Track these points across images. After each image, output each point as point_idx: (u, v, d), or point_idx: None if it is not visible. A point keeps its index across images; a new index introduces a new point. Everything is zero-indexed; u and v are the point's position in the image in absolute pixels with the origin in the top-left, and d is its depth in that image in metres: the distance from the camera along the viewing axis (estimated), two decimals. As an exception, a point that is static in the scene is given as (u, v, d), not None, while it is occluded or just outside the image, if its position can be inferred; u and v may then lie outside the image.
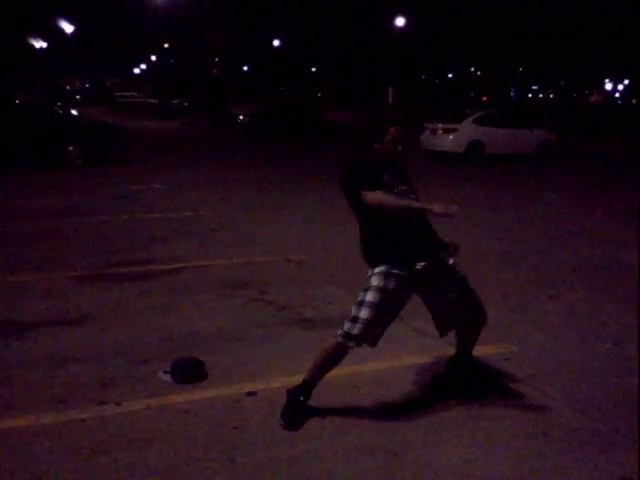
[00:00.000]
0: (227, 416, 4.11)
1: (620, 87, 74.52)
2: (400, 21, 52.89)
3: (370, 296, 3.99)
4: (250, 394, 4.40)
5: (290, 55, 70.16)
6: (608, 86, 73.32)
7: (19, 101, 21.69)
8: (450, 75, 75.89)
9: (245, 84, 71.68)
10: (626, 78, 69.58)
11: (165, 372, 4.66)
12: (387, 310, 4.04)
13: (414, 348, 5.32)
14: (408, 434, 3.95)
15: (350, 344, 4.02)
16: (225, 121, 37.31)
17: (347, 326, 4.01)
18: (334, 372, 4.66)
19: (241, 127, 33.99)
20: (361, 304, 3.99)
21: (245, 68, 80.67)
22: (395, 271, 4.02)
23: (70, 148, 17.00)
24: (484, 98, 68.01)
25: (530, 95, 79.29)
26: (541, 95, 79.97)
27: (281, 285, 6.95)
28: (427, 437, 3.92)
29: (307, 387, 4.14)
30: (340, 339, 4.03)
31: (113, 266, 7.64)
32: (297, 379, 4.30)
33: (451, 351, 4.96)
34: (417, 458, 3.70)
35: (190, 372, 4.63)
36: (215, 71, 80.00)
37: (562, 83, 71.97)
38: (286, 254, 8.28)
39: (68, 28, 66.19)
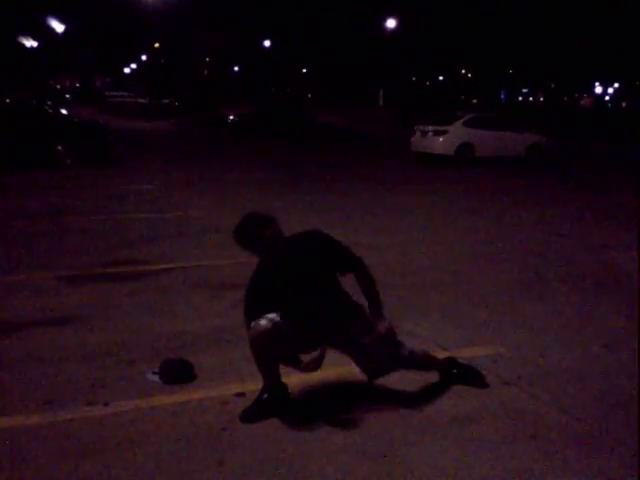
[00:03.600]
0: (216, 417, 4.11)
1: (610, 90, 74.86)
2: (391, 23, 52.98)
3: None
4: (239, 395, 4.39)
5: (281, 56, 70.14)
6: (598, 89, 73.63)
7: (9, 100, 21.61)
8: (441, 77, 76.03)
9: (235, 84, 71.59)
10: (616, 81, 69.90)
11: (154, 373, 4.65)
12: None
13: (403, 350, 5.31)
14: (397, 435, 3.95)
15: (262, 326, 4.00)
16: (215, 121, 37.30)
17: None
18: (323, 373, 4.67)
19: (231, 127, 33.98)
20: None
21: (235, 69, 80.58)
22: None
23: (59, 148, 16.96)
24: (474, 100, 68.21)
25: (520, 98, 79.55)
26: (531, 98, 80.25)
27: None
28: (416, 438, 3.93)
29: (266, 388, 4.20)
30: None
31: (102, 266, 7.62)
32: (286, 380, 4.29)
33: (440, 353, 4.99)
34: (406, 459, 3.70)
35: (179, 373, 4.62)
36: (205, 71, 79.88)
37: (552, 86, 72.22)
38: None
39: (59, 27, 65.98)
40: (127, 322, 5.79)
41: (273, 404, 4.15)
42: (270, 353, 4.06)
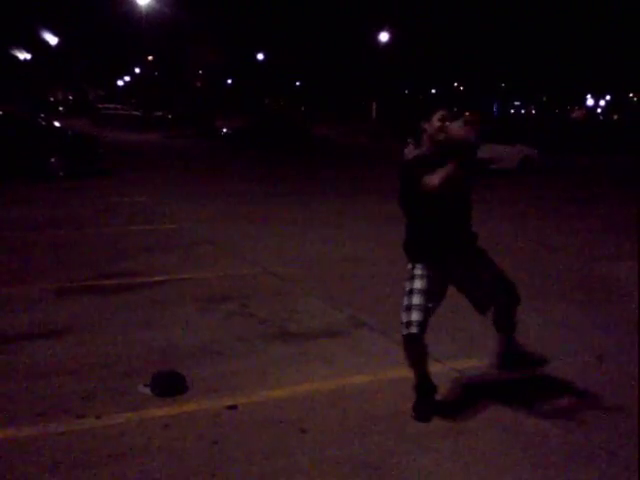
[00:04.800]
0: (207, 430, 4.08)
1: (602, 103, 75.28)
2: (384, 36, 53.23)
3: (418, 283, 4.21)
4: (230, 408, 4.37)
5: (274, 69, 70.35)
6: (590, 102, 74.05)
7: (1, 112, 21.58)
8: (433, 90, 76.34)
9: (229, 97, 71.72)
10: (607, 94, 70.34)
11: (145, 385, 4.62)
12: (432, 296, 4.24)
13: (397, 361, 5.26)
14: (390, 448, 3.94)
15: (413, 331, 4.13)
16: (208, 134, 37.33)
17: (404, 317, 4.18)
18: (317, 386, 4.68)
19: (224, 140, 34.01)
20: (411, 292, 4.21)
21: (229, 81, 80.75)
22: (432, 267, 4.28)
23: (53, 160, 16.93)
24: (467, 113, 68.44)
25: (512, 111, 79.93)
26: (523, 111, 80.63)
27: (263, 298, 6.93)
28: (409, 450, 3.91)
29: (420, 384, 4.37)
30: (404, 331, 4.18)
31: (94, 278, 7.59)
32: (278, 393, 4.29)
33: (434, 366, 5.00)
34: (399, 472, 3.69)
35: (170, 385, 4.60)
36: (199, 84, 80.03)
37: (544, 99, 72.61)
38: (269, 267, 8.26)
39: (52, 40, 66.07)
40: (119, 335, 5.77)
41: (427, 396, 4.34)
42: (422, 355, 4.29)
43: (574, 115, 71.64)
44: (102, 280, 7.53)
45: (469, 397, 4.70)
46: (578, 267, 8.80)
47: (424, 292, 4.19)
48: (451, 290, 7.41)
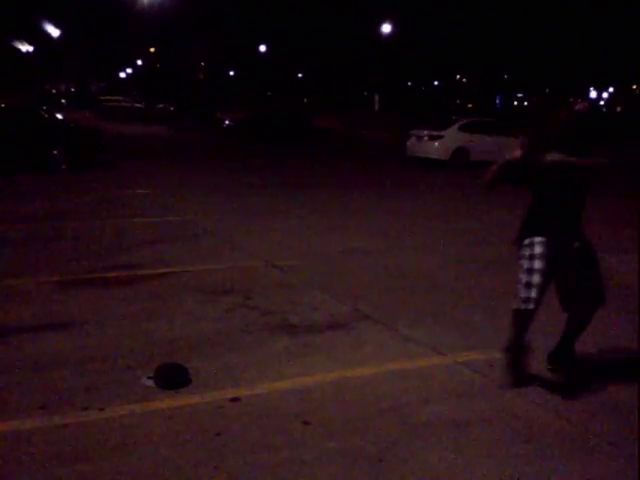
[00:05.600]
0: (211, 422, 4.10)
1: (605, 95, 75.07)
2: (387, 28, 53.08)
3: (538, 263, 4.48)
4: (234, 400, 4.38)
5: (277, 60, 70.22)
6: (593, 94, 73.82)
7: (4, 105, 21.57)
8: (436, 82, 76.17)
9: (231, 89, 71.62)
10: (610, 86, 70.15)
11: (149, 378, 4.64)
12: (548, 276, 4.55)
13: (399, 354, 5.32)
14: (393, 440, 3.95)
15: (530, 307, 4.50)
16: (211, 126, 37.26)
17: (524, 294, 4.51)
18: (319, 378, 4.69)
19: (227, 132, 33.96)
20: (531, 271, 4.49)
21: (231, 73, 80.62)
22: (551, 242, 4.53)
23: (55, 152, 16.92)
24: (470, 105, 68.30)
25: (515, 103, 79.71)
26: (526, 103, 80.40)
27: (266, 291, 6.94)
28: (412, 443, 3.93)
29: (516, 348, 4.68)
30: (522, 306, 4.53)
31: (98, 271, 7.60)
32: (281, 385, 4.31)
33: (436, 358, 5.02)
34: (402, 464, 3.71)
35: (173, 378, 4.61)
36: (201, 76, 79.91)
37: (547, 91, 72.37)
38: (271, 259, 8.27)
39: (54, 32, 65.95)
40: (122, 327, 5.78)
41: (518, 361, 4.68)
42: (528, 327, 4.66)
43: (577, 107, 71.36)
44: (105, 272, 7.53)
45: (473, 390, 4.71)
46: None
47: (543, 272, 4.47)
48: (446, 282, 7.46)
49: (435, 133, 21.43)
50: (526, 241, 4.58)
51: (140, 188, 14.51)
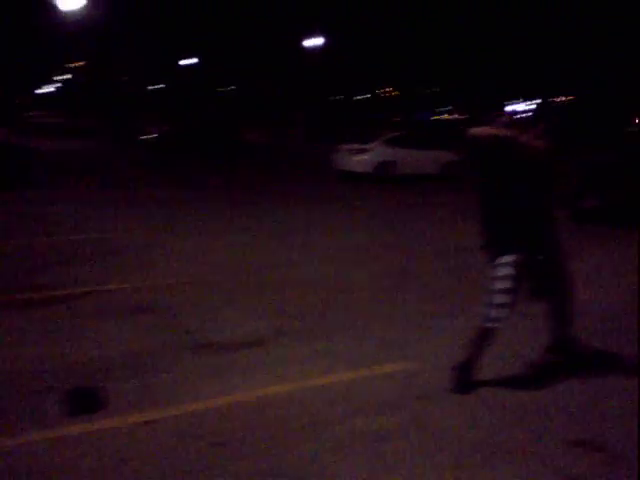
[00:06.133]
0: (124, 446, 4.00)
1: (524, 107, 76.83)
2: (313, 42, 53.29)
3: (510, 284, 4.67)
4: (148, 423, 4.29)
5: (204, 74, 69.81)
6: (510, 107, 75.41)
7: None
8: (363, 96, 76.89)
9: (157, 102, 70.83)
10: (533, 99, 72.00)
11: (61, 402, 4.51)
12: (518, 292, 4.76)
13: (318, 369, 5.30)
14: (310, 456, 3.94)
15: (497, 326, 4.72)
16: (135, 140, 36.70)
17: (495, 313, 4.70)
18: (235, 397, 4.65)
19: (151, 146, 33.52)
20: (506, 291, 4.68)
21: (158, 86, 79.77)
22: (521, 258, 4.72)
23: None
24: (395, 119, 69.18)
25: (438, 117, 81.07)
26: (449, 116, 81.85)
27: (183, 309, 6.83)
28: (331, 458, 3.91)
29: (468, 365, 4.82)
30: (488, 324, 4.73)
31: (13, 292, 7.36)
32: (197, 406, 4.24)
33: (355, 373, 5.05)
34: (318, 480, 3.70)
35: (87, 402, 4.51)
36: (127, 90, 78.87)
37: (468, 105, 73.83)
38: (190, 277, 8.16)
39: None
40: (37, 349, 5.60)
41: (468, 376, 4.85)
42: (488, 346, 4.83)
43: (499, 121, 72.91)
44: (20, 293, 7.30)
45: (392, 402, 4.74)
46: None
47: (514, 291, 4.68)
48: (368, 295, 7.50)
49: (361, 147, 21.66)
50: (498, 260, 4.75)
51: (61, 205, 14.16)
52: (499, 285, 4.71)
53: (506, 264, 4.71)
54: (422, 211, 15.04)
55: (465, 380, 4.83)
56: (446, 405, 4.67)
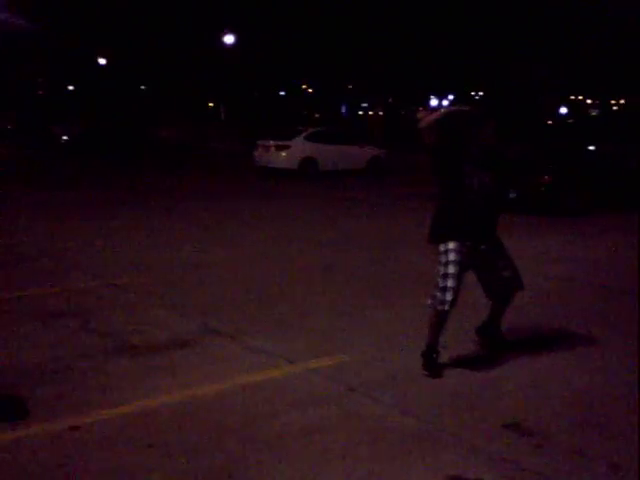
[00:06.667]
0: (50, 453, 3.84)
1: (445, 103, 78.09)
2: (229, 38, 52.94)
3: (452, 268, 4.87)
4: (74, 428, 4.13)
5: (118, 72, 68.47)
6: (434, 102, 76.60)
7: None
8: (282, 92, 76.83)
9: (71, 104, 69.17)
10: (450, 94, 73.16)
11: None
12: (461, 279, 4.97)
13: (248, 367, 5.22)
14: (241, 455, 3.86)
15: (446, 308, 4.93)
16: (48, 142, 35.72)
17: (440, 295, 4.92)
18: (164, 399, 4.53)
19: (63, 148, 32.71)
20: (446, 276, 4.89)
21: (71, 88, 77.87)
22: (465, 246, 4.93)
23: None
24: (316, 115, 69.39)
25: (360, 112, 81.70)
26: (371, 112, 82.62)
27: (105, 312, 6.60)
28: (262, 456, 3.85)
29: (432, 347, 5.06)
30: (438, 307, 4.95)
31: None
32: (123, 409, 4.11)
33: (287, 368, 4.99)
34: (252, 478, 3.63)
35: (7, 410, 4.31)
36: (40, 92, 76.77)
37: (390, 100, 74.64)
38: (111, 278, 7.91)
39: None
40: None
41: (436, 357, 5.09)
42: (443, 326, 5.10)
43: (419, 116, 73.95)
44: None
45: (324, 396, 4.70)
46: (425, 259, 9.07)
47: (457, 276, 4.89)
48: (297, 291, 7.46)
49: (282, 143, 21.57)
50: (441, 247, 4.97)
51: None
52: (441, 270, 4.94)
53: (447, 251, 4.94)
54: (346, 206, 15.08)
55: (431, 360, 5.06)
56: (379, 396, 4.67)
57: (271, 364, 5.27)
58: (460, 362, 5.32)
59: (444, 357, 5.27)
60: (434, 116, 4.89)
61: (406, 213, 13.77)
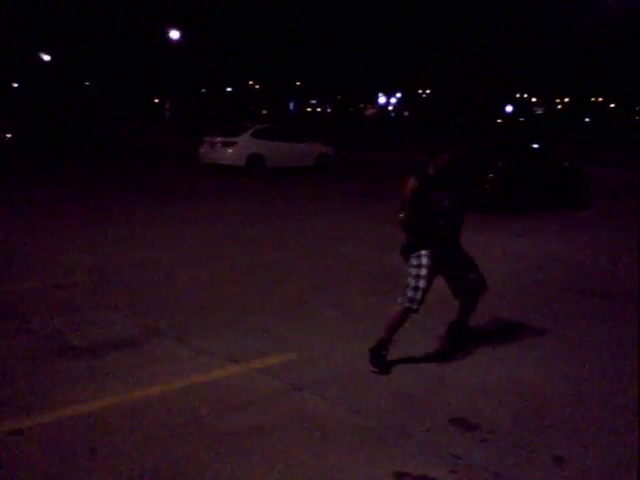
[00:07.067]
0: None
1: (393, 100, 78.48)
2: (175, 34, 52.39)
3: (424, 271, 5.16)
4: (14, 432, 4.04)
5: (62, 69, 67.19)
6: (382, 99, 76.94)
7: None
8: (229, 89, 76.33)
9: (16, 101, 67.66)
10: (398, 92, 73.55)
11: None
12: (431, 282, 5.25)
13: (193, 368, 5.16)
14: (187, 455, 3.84)
15: (415, 307, 5.15)
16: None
17: (411, 294, 5.15)
18: (108, 401, 4.46)
19: (6, 147, 31.96)
20: (418, 277, 5.17)
21: (15, 85, 76.17)
22: (435, 254, 5.23)
23: None
24: (264, 112, 69.19)
25: (309, 109, 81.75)
26: (319, 109, 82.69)
27: (47, 313, 6.43)
28: (207, 457, 3.83)
29: (384, 343, 5.22)
30: (407, 304, 5.16)
31: None
32: (65, 412, 4.03)
33: (233, 367, 4.96)
34: (194, 478, 3.61)
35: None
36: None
37: (338, 97, 74.79)
38: (54, 278, 7.71)
39: None
40: None
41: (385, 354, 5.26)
42: (402, 325, 5.33)
43: (368, 113, 74.47)
44: None
45: (270, 395, 4.69)
46: (374, 257, 9.11)
47: (428, 278, 5.19)
48: (241, 291, 7.40)
49: (228, 140, 21.35)
50: (414, 253, 5.24)
51: None
52: (413, 272, 5.21)
53: (420, 255, 5.22)
54: (295, 203, 15.03)
55: (383, 358, 5.21)
56: (327, 394, 4.67)
57: (216, 364, 5.23)
58: (409, 359, 5.37)
59: (393, 355, 5.30)
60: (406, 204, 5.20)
61: (354, 211, 13.79)
